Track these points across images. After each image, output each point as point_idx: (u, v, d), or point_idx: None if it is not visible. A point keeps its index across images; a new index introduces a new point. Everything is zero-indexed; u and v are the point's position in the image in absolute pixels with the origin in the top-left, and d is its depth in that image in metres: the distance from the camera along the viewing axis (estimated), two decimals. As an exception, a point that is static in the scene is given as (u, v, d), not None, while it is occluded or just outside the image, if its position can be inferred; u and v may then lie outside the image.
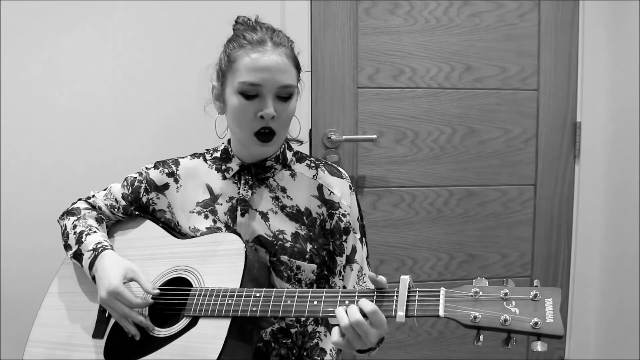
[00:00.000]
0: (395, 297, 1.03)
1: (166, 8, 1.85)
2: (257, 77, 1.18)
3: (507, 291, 0.96)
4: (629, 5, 1.98)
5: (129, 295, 1.17)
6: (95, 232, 1.30)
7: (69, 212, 1.37)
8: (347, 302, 1.05)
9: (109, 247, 1.26)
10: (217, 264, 1.19)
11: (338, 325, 1.03)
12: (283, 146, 1.32)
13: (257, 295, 1.11)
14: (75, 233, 1.30)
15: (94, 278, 1.23)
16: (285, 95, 1.22)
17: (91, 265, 1.23)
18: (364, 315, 1.01)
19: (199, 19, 1.86)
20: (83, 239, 1.27)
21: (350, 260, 1.30)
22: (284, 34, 1.25)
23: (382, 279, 1.06)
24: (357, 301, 1.04)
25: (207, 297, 1.14)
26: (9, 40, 1.78)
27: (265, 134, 1.21)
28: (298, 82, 1.28)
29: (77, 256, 1.28)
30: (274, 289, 1.13)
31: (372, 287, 1.07)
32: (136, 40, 1.85)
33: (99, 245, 1.25)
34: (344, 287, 1.29)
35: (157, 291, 1.19)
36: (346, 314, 1.02)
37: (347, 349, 1.07)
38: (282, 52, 1.21)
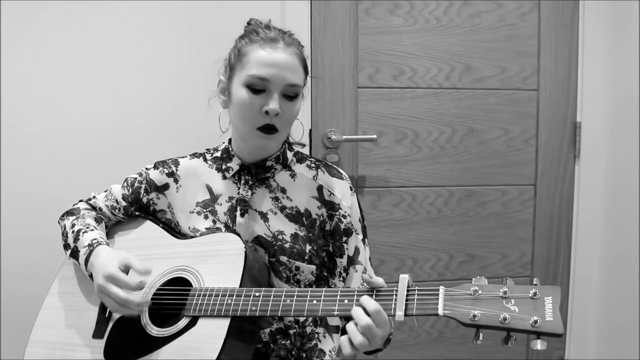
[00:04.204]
0: (394, 295, 1.03)
1: (167, 7, 1.85)
2: (267, 72, 1.19)
3: (507, 289, 0.96)
4: (629, 5, 1.98)
5: (125, 277, 1.15)
6: (92, 230, 1.30)
7: (68, 213, 1.37)
8: (345, 300, 1.05)
9: (104, 243, 1.26)
10: (217, 264, 1.19)
11: (346, 336, 1.03)
12: (284, 146, 1.32)
13: (257, 294, 1.11)
14: (73, 232, 1.30)
15: (91, 276, 1.23)
16: (291, 94, 1.22)
17: (87, 261, 1.23)
18: (368, 314, 1.01)
19: (199, 18, 1.86)
20: (80, 237, 1.27)
21: (353, 261, 1.30)
22: (295, 38, 1.27)
23: (378, 280, 1.06)
24: (357, 300, 1.04)
25: (206, 297, 1.14)
26: (9, 40, 1.78)
27: (268, 129, 1.21)
28: (304, 86, 1.28)
29: (74, 254, 1.28)
30: (274, 289, 1.13)
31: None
32: (136, 39, 1.85)
33: (94, 241, 1.25)
34: None
35: (150, 268, 1.17)
36: (356, 326, 1.02)
37: (358, 354, 1.07)
38: (293, 52, 1.22)
